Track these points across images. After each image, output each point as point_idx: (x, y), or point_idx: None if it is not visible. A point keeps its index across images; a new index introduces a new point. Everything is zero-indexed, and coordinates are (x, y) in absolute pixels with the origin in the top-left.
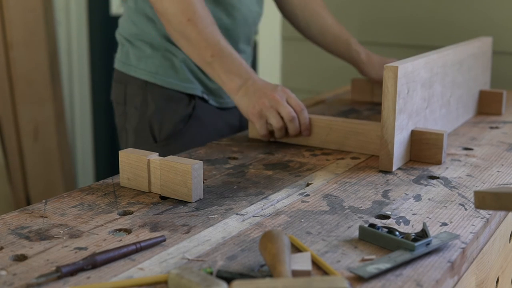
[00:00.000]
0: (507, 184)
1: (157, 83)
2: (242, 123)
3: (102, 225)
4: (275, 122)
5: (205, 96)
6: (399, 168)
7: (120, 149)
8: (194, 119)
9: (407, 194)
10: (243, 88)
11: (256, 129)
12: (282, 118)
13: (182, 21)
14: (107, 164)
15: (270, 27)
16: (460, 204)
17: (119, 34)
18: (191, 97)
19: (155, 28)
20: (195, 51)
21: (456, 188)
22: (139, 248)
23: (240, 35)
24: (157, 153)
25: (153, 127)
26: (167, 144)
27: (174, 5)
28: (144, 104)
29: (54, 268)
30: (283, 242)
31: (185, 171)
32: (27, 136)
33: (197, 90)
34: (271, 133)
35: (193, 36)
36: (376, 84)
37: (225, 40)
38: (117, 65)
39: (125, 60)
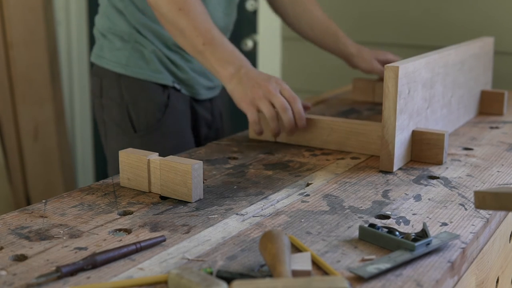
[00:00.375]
0: (507, 184)
1: (129, 75)
2: (215, 118)
3: (102, 225)
4: (267, 111)
5: (176, 86)
6: (399, 168)
7: (100, 142)
8: (171, 108)
9: (407, 194)
10: (236, 76)
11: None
12: (274, 108)
13: (173, 11)
14: (107, 164)
15: (270, 27)
16: (460, 204)
17: (95, 29)
18: (164, 87)
19: (125, 21)
20: (187, 40)
21: (456, 188)
22: (139, 248)
23: None
24: (157, 153)
25: (131, 118)
26: (147, 133)
27: None
28: (120, 96)
29: (54, 268)
30: (283, 242)
31: (185, 171)
32: (27, 136)
33: (168, 80)
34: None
35: (184, 26)
36: (369, 73)
37: (217, 28)
38: (93, 58)
39: (99, 53)
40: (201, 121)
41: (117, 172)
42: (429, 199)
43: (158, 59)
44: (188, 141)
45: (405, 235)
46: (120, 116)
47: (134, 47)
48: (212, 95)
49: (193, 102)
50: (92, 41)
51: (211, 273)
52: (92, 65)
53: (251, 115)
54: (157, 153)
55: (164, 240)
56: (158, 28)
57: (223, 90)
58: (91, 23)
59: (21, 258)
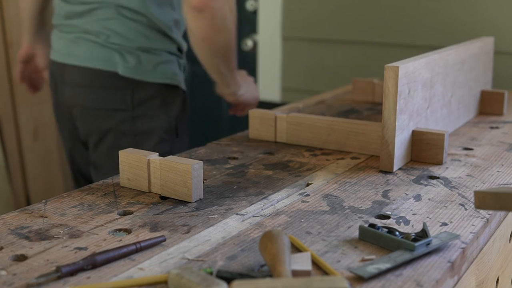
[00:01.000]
0: (507, 184)
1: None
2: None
3: (102, 225)
4: None
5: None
6: (399, 168)
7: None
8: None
9: (407, 194)
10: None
11: (256, 129)
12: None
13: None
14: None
15: (270, 27)
16: (460, 204)
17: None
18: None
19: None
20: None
21: (456, 188)
22: (139, 248)
23: None
24: (157, 153)
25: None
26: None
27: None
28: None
29: (54, 268)
30: (283, 242)
31: (185, 171)
32: (27, 136)
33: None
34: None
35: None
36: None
37: None
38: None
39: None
40: None
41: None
42: (429, 199)
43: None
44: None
45: (405, 235)
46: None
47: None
48: None
49: None
50: None
51: (211, 273)
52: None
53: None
54: (157, 153)
55: (164, 240)
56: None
57: None
58: None
59: (21, 258)
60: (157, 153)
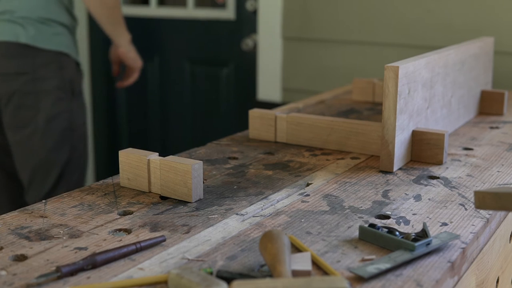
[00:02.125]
0: (507, 184)
1: (68, 53)
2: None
3: (102, 225)
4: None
5: None
6: (399, 168)
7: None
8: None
9: (407, 194)
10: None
11: (256, 129)
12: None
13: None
14: (107, 164)
15: (270, 27)
16: (460, 204)
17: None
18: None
19: (65, 11)
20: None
21: (456, 188)
22: (139, 248)
23: None
24: (157, 153)
25: (73, 85)
26: (81, 97)
27: None
28: (61, 68)
29: (54, 268)
30: (283, 242)
31: (185, 171)
32: None
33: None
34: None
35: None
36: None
37: None
38: (24, 39)
39: (34, 35)
40: None
41: (58, 133)
42: (429, 199)
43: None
44: None
45: (405, 235)
46: (62, 84)
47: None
48: None
49: None
50: (92, 41)
51: (211, 273)
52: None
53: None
54: (157, 153)
55: (164, 240)
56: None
57: None
58: (91, 23)
59: (21, 258)
60: (157, 153)
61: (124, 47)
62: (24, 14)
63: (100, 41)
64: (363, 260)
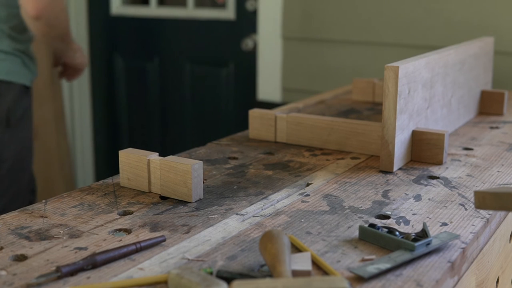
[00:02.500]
0: (507, 184)
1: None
2: None
3: (102, 225)
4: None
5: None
6: (399, 168)
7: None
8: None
9: (407, 194)
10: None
11: (256, 129)
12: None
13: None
14: (107, 164)
15: (270, 27)
16: (460, 204)
17: None
18: (27, 88)
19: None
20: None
21: (456, 188)
22: (139, 248)
23: None
24: (157, 153)
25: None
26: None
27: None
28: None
29: (54, 268)
30: (283, 242)
31: (185, 171)
32: None
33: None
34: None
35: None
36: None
37: None
38: None
39: None
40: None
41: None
42: (429, 199)
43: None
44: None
45: (405, 235)
46: None
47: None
48: None
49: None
50: (92, 41)
51: (211, 273)
52: None
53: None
54: (157, 153)
55: (164, 240)
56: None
57: None
58: (91, 23)
59: (21, 258)
60: (157, 153)
61: (71, 57)
62: None
63: (100, 37)
64: (363, 260)
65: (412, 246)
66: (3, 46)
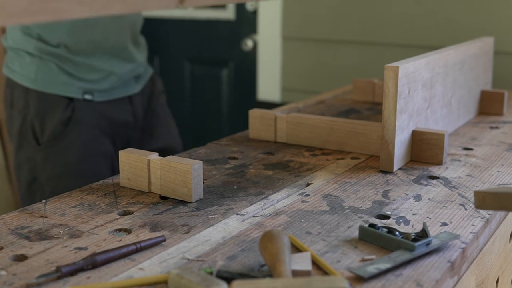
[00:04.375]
0: (507, 184)
1: (36, 89)
2: (137, 118)
3: (102, 225)
4: None
5: (87, 97)
6: (399, 168)
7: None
8: (74, 121)
9: (407, 194)
10: None
11: (256, 129)
12: None
13: None
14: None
15: (270, 27)
16: (460, 204)
17: (6, 43)
18: (70, 100)
19: (30, 36)
20: None
21: (456, 188)
22: (139, 248)
23: None
24: (157, 153)
25: (35, 130)
26: (50, 146)
27: None
28: (27, 108)
29: (54, 268)
30: (283, 242)
31: (185, 171)
32: None
33: (77, 92)
34: None
35: None
36: None
37: None
38: (4, 71)
39: (11, 66)
40: (119, 127)
41: (25, 182)
42: (429, 199)
43: (64, 71)
44: (95, 152)
45: (405, 235)
46: (24, 127)
47: (42, 62)
48: (131, 91)
49: (108, 108)
50: None
51: (211, 273)
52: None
53: None
54: (157, 153)
55: (164, 240)
56: (62, 36)
57: (148, 88)
58: None
59: (21, 258)
60: (157, 153)
61: None
62: (8, 41)
63: None
64: (363, 260)
65: (412, 246)
66: (29, 47)
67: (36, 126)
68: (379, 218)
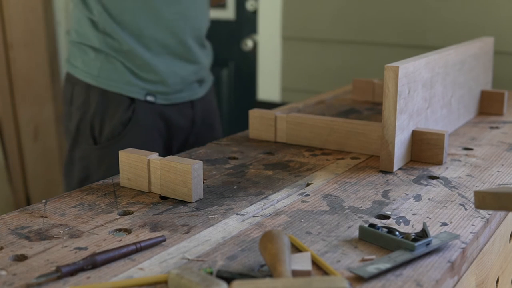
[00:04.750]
0: (507, 184)
1: (98, 86)
2: (195, 124)
3: (102, 225)
4: None
5: (149, 98)
6: (399, 168)
7: (66, 150)
8: (134, 122)
9: (407, 194)
10: None
11: (256, 129)
12: None
13: None
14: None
15: (270, 27)
16: (460, 204)
17: (70, 38)
18: (132, 100)
19: (97, 31)
20: None
21: (456, 188)
22: (139, 248)
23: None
24: (157, 153)
25: (93, 128)
26: (107, 146)
27: None
28: (86, 105)
29: (54, 268)
30: (283, 242)
31: (185, 171)
32: (27, 136)
33: (139, 93)
34: None
35: None
36: None
37: None
38: (66, 66)
39: (73, 62)
40: (174, 130)
41: (77, 179)
42: (429, 199)
43: (129, 70)
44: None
45: (405, 235)
46: (82, 125)
47: (107, 59)
48: (194, 95)
49: (168, 111)
50: None
51: (211, 273)
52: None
53: None
54: (157, 153)
55: (164, 240)
56: (134, 28)
57: (210, 93)
58: None
59: (21, 258)
60: (157, 153)
61: None
62: (72, 36)
63: None
64: (363, 260)
65: (412, 246)
66: (94, 41)
67: (95, 124)
68: (379, 218)
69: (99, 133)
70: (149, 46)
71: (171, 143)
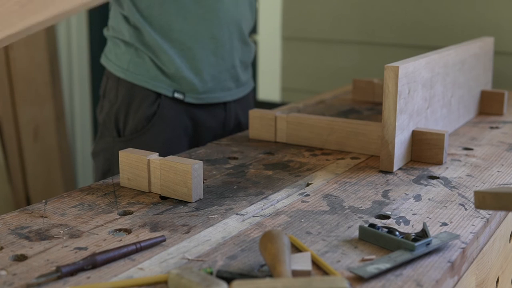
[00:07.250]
0: (507, 184)
1: (127, 79)
2: (226, 126)
3: (102, 225)
4: None
5: (177, 95)
6: (399, 168)
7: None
8: (158, 117)
9: (407, 194)
10: None
11: (256, 129)
12: None
13: None
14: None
15: (270, 27)
16: (460, 204)
17: (106, 30)
18: (158, 95)
19: (128, 24)
20: None
21: (456, 188)
22: (139, 248)
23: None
24: (157, 153)
25: (118, 121)
26: (131, 139)
27: None
28: (116, 98)
29: (54, 268)
30: (283, 242)
31: (185, 171)
32: (27, 136)
33: (166, 89)
34: None
35: None
36: None
37: None
38: (102, 59)
39: (108, 55)
40: (202, 130)
41: (101, 171)
42: (429, 199)
43: (157, 66)
44: (174, 151)
45: (405, 235)
46: (108, 117)
47: (136, 53)
48: (229, 97)
49: (196, 111)
50: (92, 41)
51: (211, 273)
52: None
53: None
54: (157, 153)
55: (164, 240)
56: (163, 23)
57: (249, 96)
58: (91, 23)
59: (21, 258)
60: (157, 153)
61: None
62: (108, 29)
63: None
64: (363, 260)
65: (412, 246)
66: (124, 34)
67: (120, 117)
68: (379, 218)
69: (123, 126)
70: (176, 43)
71: (198, 143)
